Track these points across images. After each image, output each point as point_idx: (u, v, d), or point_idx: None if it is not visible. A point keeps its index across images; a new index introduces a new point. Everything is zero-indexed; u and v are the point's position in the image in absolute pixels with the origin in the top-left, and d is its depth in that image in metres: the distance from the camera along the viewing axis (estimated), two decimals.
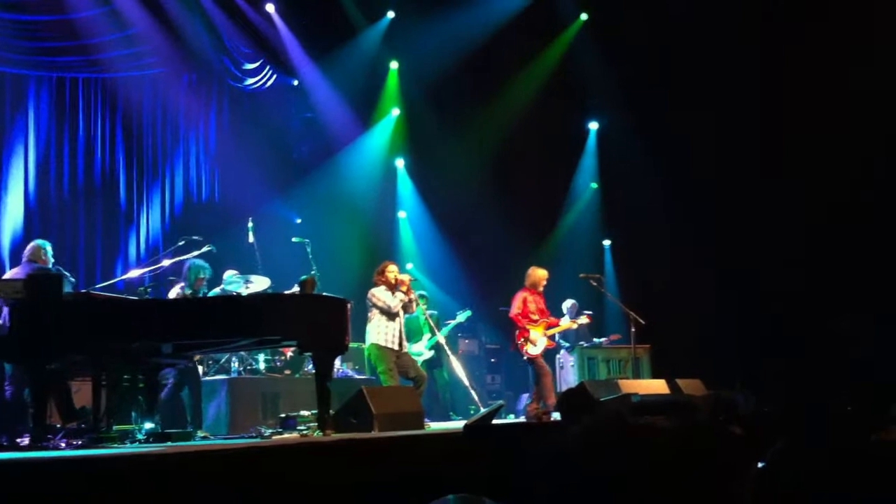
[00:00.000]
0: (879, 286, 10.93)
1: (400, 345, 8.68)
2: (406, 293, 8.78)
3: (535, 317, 9.99)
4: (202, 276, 8.24)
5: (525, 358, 9.94)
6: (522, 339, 9.87)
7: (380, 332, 8.60)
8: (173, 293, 8.20)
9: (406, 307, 8.87)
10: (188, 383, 8.16)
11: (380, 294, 8.68)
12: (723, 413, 6.65)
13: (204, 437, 7.40)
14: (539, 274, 10.15)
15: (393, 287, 8.74)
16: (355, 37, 13.64)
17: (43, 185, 11.28)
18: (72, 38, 10.89)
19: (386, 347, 8.56)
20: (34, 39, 10.80)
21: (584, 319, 10.71)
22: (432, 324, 10.12)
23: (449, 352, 10.26)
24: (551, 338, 10.27)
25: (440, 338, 10.15)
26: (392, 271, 8.80)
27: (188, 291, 8.17)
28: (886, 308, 10.57)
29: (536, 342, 9.88)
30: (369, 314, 8.72)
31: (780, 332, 11.48)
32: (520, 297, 10.07)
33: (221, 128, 13.06)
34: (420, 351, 10.66)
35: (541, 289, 10.16)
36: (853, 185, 11.21)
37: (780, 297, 11.68)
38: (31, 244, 7.91)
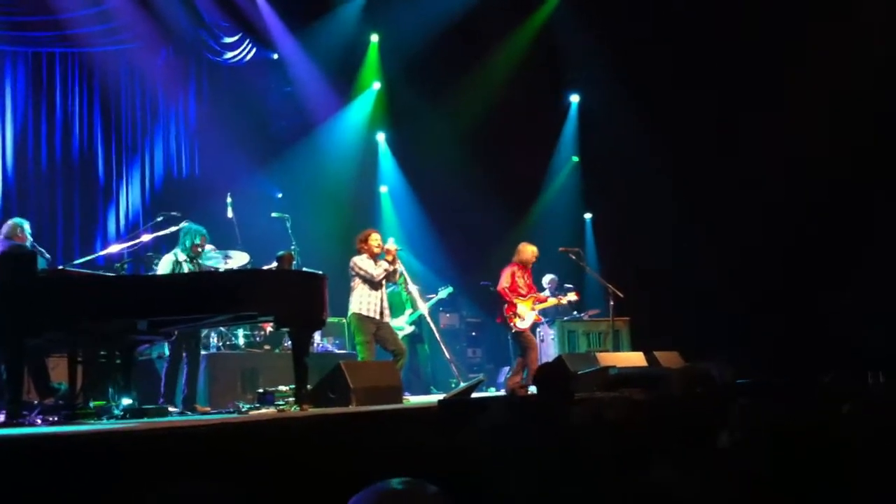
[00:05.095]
0: (866, 258, 11.00)
1: (381, 314, 8.64)
2: (391, 263, 8.72)
3: (524, 291, 10.04)
4: (198, 241, 7.96)
5: (513, 331, 9.98)
6: (511, 314, 9.91)
7: (362, 301, 8.57)
8: (165, 262, 7.95)
9: (389, 276, 8.81)
10: (187, 353, 8.09)
11: (362, 263, 8.62)
12: (699, 385, 6.72)
13: (181, 413, 7.42)
14: (529, 250, 10.18)
15: (375, 256, 8.71)
16: (335, 10, 13.52)
17: (21, 162, 11.19)
18: (46, 13, 10.77)
19: (367, 317, 8.53)
20: (7, 14, 10.68)
21: (572, 296, 10.75)
22: (416, 296, 10.09)
23: (433, 326, 10.28)
24: (538, 313, 10.32)
25: (425, 311, 10.13)
26: (375, 240, 8.76)
27: (184, 257, 7.91)
28: (870, 282, 10.65)
29: (525, 316, 9.94)
30: (352, 283, 8.67)
31: (762, 304, 11.56)
32: (508, 271, 10.11)
33: (201, 102, 12.96)
34: (401, 326, 10.68)
35: (529, 266, 10.21)
36: (842, 156, 11.23)
37: (762, 270, 11.76)
38: (8, 222, 7.84)
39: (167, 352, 8.07)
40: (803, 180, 11.37)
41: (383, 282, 8.73)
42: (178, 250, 8.00)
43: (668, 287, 12.07)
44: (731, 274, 11.91)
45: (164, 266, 7.92)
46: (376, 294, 8.61)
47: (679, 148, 12.44)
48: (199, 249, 8.04)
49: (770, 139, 11.55)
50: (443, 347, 9.65)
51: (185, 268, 7.91)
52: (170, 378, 7.91)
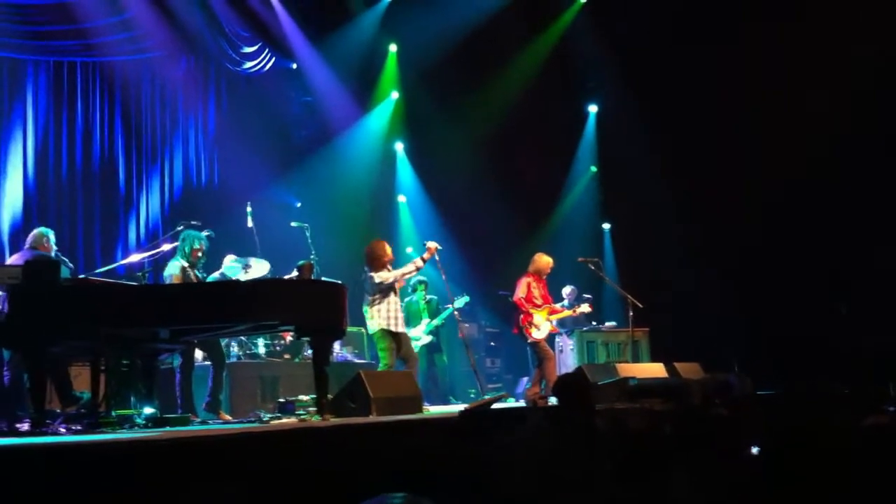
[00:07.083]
0: (879, 265, 10.93)
1: (398, 324, 8.59)
2: (425, 260, 8.75)
3: (539, 301, 10.03)
4: (197, 246, 7.97)
5: (529, 341, 9.98)
6: (527, 323, 9.90)
7: (382, 315, 8.46)
8: (174, 269, 7.95)
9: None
10: (213, 361, 8.14)
11: (386, 275, 8.55)
12: (717, 396, 6.69)
13: (203, 422, 7.43)
14: (545, 261, 10.18)
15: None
16: (354, 19, 13.59)
17: (42, 170, 11.22)
18: (68, 22, 10.81)
19: (393, 332, 8.48)
20: (30, 24, 10.72)
21: (585, 308, 10.73)
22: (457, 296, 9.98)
23: (461, 330, 10.22)
24: (554, 323, 10.30)
25: (457, 305, 10.06)
26: (389, 251, 8.76)
27: (185, 263, 7.92)
28: (884, 289, 10.58)
29: (540, 326, 9.93)
30: (370, 297, 8.53)
31: (779, 314, 11.49)
32: (523, 281, 10.11)
33: (220, 112, 13.00)
34: (418, 336, 10.68)
35: (544, 276, 10.21)
36: (857, 168, 11.19)
37: (780, 280, 11.70)
38: (34, 231, 7.90)
39: None
40: (826, 187, 11.32)
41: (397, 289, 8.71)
42: (179, 257, 8.02)
43: (688, 297, 12.01)
44: (752, 284, 11.85)
45: (173, 273, 7.91)
46: (395, 305, 8.56)
47: (698, 158, 12.40)
48: (199, 255, 8.03)
49: (793, 145, 11.49)
50: (469, 356, 9.66)
51: (192, 274, 7.93)
52: (183, 389, 7.93)
